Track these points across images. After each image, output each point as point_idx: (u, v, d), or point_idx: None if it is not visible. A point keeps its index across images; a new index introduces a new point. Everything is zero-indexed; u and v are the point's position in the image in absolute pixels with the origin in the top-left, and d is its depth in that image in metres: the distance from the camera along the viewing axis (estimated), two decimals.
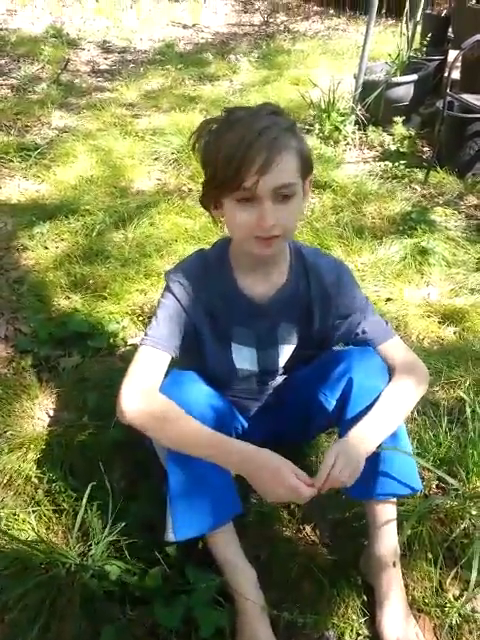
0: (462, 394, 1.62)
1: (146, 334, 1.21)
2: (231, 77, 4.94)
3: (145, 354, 1.19)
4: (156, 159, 3.43)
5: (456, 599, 1.31)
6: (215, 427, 1.19)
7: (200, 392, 1.23)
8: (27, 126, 3.84)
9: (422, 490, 1.43)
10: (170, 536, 1.16)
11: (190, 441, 1.12)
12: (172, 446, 1.15)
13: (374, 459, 1.19)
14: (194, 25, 6.88)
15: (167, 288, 1.23)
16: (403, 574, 1.30)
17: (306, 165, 1.09)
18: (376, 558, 1.26)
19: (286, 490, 1.05)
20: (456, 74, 3.58)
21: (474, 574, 1.23)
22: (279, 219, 1.04)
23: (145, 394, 1.15)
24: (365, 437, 1.16)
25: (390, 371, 1.26)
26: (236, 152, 0.99)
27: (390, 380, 1.24)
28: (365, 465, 1.15)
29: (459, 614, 1.27)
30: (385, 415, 1.20)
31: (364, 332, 1.28)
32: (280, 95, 4.34)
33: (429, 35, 4.23)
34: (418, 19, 4.46)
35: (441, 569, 1.35)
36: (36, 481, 1.52)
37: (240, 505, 1.20)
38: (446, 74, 3.47)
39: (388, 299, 2.28)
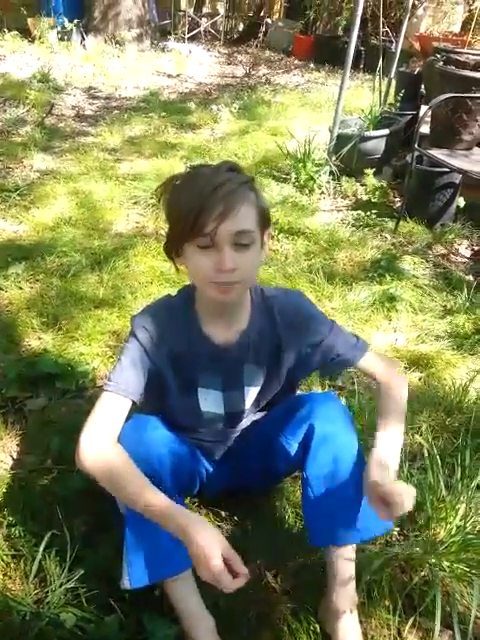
0: (421, 440, 1.65)
1: (109, 379, 1.22)
2: (212, 126, 5.09)
3: (107, 401, 1.19)
4: (135, 203, 3.50)
5: None
6: (175, 472, 1.20)
7: (161, 437, 1.24)
8: (9, 168, 3.89)
9: (383, 535, 1.44)
10: (125, 583, 1.16)
11: (135, 500, 1.09)
12: (121, 499, 1.15)
13: (335, 507, 1.22)
14: (178, 75, 7.11)
15: (132, 333, 1.25)
16: (362, 622, 1.30)
17: (263, 218, 1.14)
18: (334, 605, 1.25)
19: (209, 574, 0.98)
20: (426, 129, 3.75)
21: (437, 624, 1.24)
22: (238, 265, 1.08)
23: (103, 446, 1.14)
24: (390, 458, 1.18)
25: (376, 380, 1.34)
26: (196, 200, 1.04)
27: (381, 387, 1.33)
28: (326, 513, 1.19)
29: None
30: (394, 429, 1.24)
31: (339, 355, 1.30)
32: (259, 145, 4.49)
33: (402, 91, 4.44)
34: (392, 76, 4.69)
35: (400, 617, 1.35)
36: None
37: None
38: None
39: None
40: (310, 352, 1.31)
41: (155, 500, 1.06)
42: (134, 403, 1.22)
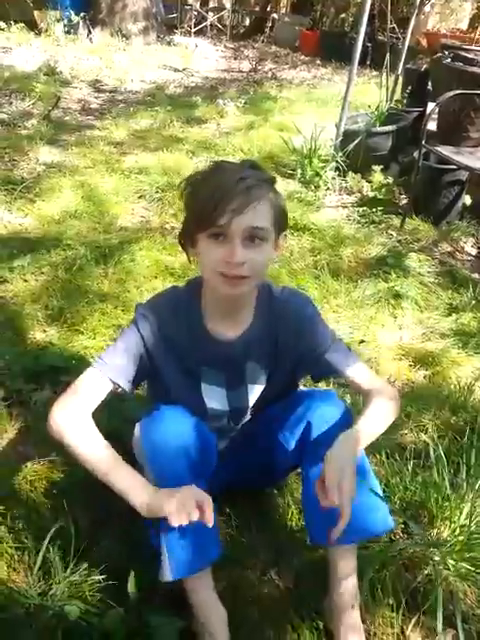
0: (426, 438, 1.65)
1: (100, 357, 1.24)
2: (218, 120, 5.08)
3: (90, 377, 1.22)
4: (140, 197, 3.49)
5: None
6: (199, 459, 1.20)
7: (192, 425, 1.23)
8: (15, 160, 3.88)
9: (384, 534, 1.44)
10: (167, 575, 1.15)
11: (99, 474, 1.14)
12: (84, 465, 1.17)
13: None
14: (185, 69, 7.09)
15: (134, 321, 1.26)
16: (365, 620, 1.30)
17: (280, 218, 1.15)
18: (336, 603, 1.25)
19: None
20: (433, 126, 3.73)
21: (440, 623, 1.23)
22: (248, 260, 1.09)
23: (74, 416, 1.18)
24: (354, 441, 1.17)
25: (362, 395, 1.33)
26: (215, 193, 1.06)
27: (366, 401, 1.28)
28: (325, 510, 1.17)
29: None
30: (372, 423, 1.22)
31: (330, 361, 1.29)
32: (265, 140, 4.48)
33: (409, 88, 4.43)
34: (399, 72, 4.67)
35: (403, 615, 1.34)
36: None
37: (221, 547, 1.21)
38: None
39: (362, 341, 2.32)
40: (304, 356, 1.31)
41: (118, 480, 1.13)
42: (120, 388, 1.23)
